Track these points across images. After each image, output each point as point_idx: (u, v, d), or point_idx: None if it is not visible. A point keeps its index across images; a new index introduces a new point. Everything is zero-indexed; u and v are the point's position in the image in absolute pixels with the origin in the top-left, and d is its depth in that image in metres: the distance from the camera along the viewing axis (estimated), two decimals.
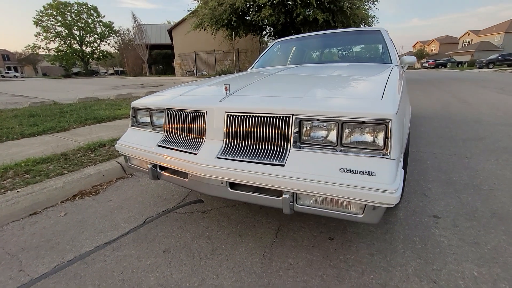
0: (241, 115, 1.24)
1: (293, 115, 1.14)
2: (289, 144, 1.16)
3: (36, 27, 35.12)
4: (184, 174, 1.39)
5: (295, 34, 2.93)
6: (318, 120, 1.11)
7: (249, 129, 1.23)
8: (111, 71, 68.05)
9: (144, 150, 1.55)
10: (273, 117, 1.18)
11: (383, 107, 1.02)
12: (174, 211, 1.83)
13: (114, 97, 7.52)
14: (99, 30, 39.46)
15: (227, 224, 1.64)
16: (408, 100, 2.13)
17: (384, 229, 1.53)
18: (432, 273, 1.20)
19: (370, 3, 13.68)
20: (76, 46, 37.84)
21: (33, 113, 4.65)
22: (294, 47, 3.02)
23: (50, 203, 1.95)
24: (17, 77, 43.15)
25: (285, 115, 1.15)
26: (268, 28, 15.55)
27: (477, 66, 30.56)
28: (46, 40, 35.95)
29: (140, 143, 1.62)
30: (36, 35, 35.71)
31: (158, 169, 1.53)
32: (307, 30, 12.98)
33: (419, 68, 46.18)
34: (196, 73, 21.52)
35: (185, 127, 1.44)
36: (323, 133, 1.14)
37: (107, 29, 40.17)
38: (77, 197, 2.07)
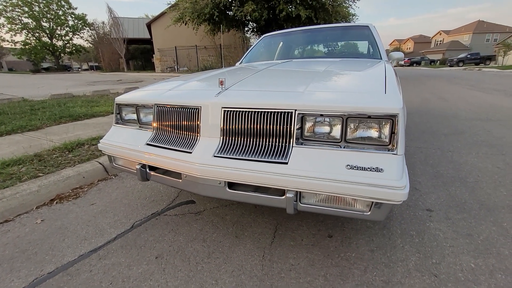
0: (240, 111, 1.17)
1: (295, 110, 1.09)
2: (291, 140, 1.11)
3: (0, 17, 32.50)
4: (177, 174, 1.30)
5: (278, 30, 2.88)
6: (321, 115, 1.06)
7: (249, 126, 1.16)
8: (85, 66, 64.61)
9: (131, 150, 1.44)
10: (275, 112, 1.12)
11: (389, 101, 0.99)
12: (164, 214, 1.73)
13: (90, 94, 7.11)
14: (71, 23, 37.12)
15: (222, 225, 1.57)
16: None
17: (381, 224, 1.53)
18: (432, 267, 1.21)
19: (351, 1, 13.94)
20: (45, 39, 35.38)
21: (0, 111, 4.27)
22: (283, 42, 2.97)
23: (24, 209, 1.78)
24: None
25: (287, 110, 1.10)
26: (251, 24, 15.41)
27: (448, 64, 32.29)
28: (11, 32, 33.33)
29: (126, 142, 1.50)
30: None
31: (147, 170, 1.42)
32: (290, 26, 12.99)
33: (396, 66, 47.98)
34: (177, 69, 20.93)
35: (177, 124, 1.34)
36: (327, 128, 1.10)
37: (79, 22, 37.89)
38: (55, 201, 1.90)
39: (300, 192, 1.06)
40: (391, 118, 0.97)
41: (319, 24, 12.45)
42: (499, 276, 1.15)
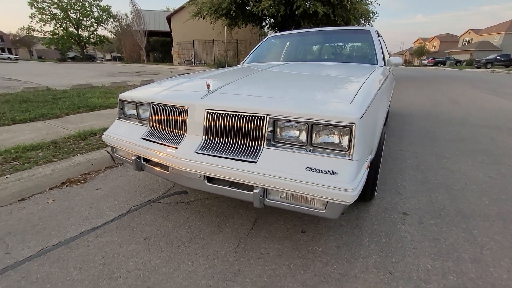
0: (220, 113, 1.30)
1: (267, 115, 1.20)
2: (263, 142, 1.23)
3: (31, 8, 34.21)
4: (165, 167, 1.45)
5: (294, 27, 2.96)
6: (290, 120, 1.18)
7: (227, 127, 1.29)
8: (108, 56, 66.81)
9: (129, 142, 1.61)
10: (249, 116, 1.24)
11: (348, 112, 1.09)
12: (158, 201, 1.91)
13: (108, 85, 7.48)
14: (96, 14, 38.50)
15: (207, 215, 1.73)
16: (388, 100, 2.20)
17: (355, 224, 1.63)
18: (390, 265, 1.30)
19: None
20: (72, 29, 36.96)
21: (26, 99, 4.65)
22: (285, 43, 3.05)
23: (38, 189, 2.02)
24: (11, 59, 42.22)
25: (260, 115, 1.22)
26: (268, 19, 15.38)
27: (475, 65, 30.67)
28: (41, 23, 35.06)
29: (125, 135, 1.68)
30: (31, 17, 34.81)
31: (142, 161, 1.59)
32: (307, 23, 12.88)
33: (418, 66, 46.14)
34: (194, 62, 21.30)
35: (168, 121, 1.50)
36: (295, 133, 1.21)
37: (104, 13, 39.19)
38: (66, 184, 2.13)
39: (266, 189, 1.19)
40: (349, 127, 1.07)
41: (336, 21, 12.28)
42: (451, 277, 1.23)
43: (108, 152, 2.56)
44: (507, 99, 6.86)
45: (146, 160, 1.58)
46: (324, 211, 1.11)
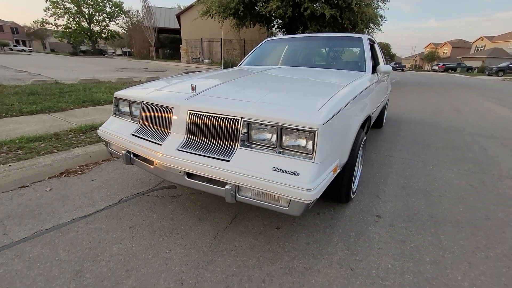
0: (201, 114, 1.41)
1: (242, 118, 1.31)
2: (237, 143, 1.33)
3: (46, 1, 35.00)
4: (151, 162, 1.57)
5: (302, 28, 3.04)
6: (261, 124, 1.28)
7: (207, 127, 1.40)
8: (119, 51, 67.76)
9: (120, 138, 1.73)
10: (226, 118, 1.35)
11: (313, 118, 1.18)
12: (148, 194, 2.03)
13: (115, 80, 7.68)
14: (108, 10, 39.14)
15: (191, 209, 1.84)
16: (375, 106, 2.27)
17: (328, 223, 1.72)
18: (353, 262, 1.39)
19: (380, 1, 13.50)
20: (84, 24, 37.67)
21: (34, 91, 4.85)
22: (281, 48, 3.14)
23: (38, 178, 2.16)
24: (25, 51, 43.31)
25: (235, 117, 1.32)
26: (276, 20, 15.43)
27: (487, 73, 30.13)
28: (55, 16, 35.85)
29: (118, 131, 1.80)
30: (45, 10, 35.61)
31: (131, 155, 1.71)
32: (314, 25, 12.90)
33: (428, 71, 45.51)
34: (202, 60, 21.50)
35: (155, 120, 1.61)
36: (268, 135, 1.31)
37: (116, 9, 39.84)
38: (64, 175, 2.28)
39: (238, 186, 1.29)
40: (313, 132, 1.17)
41: (344, 24, 12.27)
42: (408, 277, 1.31)
43: (105, 146, 2.70)
44: (511, 108, 6.80)
45: (135, 155, 1.71)
46: (287, 208, 1.21)
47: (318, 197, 1.23)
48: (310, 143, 1.20)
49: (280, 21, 14.70)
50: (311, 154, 1.20)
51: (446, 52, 54.55)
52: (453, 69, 38.65)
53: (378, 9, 13.90)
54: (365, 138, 1.94)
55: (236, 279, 1.26)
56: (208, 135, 1.41)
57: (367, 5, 12.44)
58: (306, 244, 1.52)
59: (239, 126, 1.32)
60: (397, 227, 1.70)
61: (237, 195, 1.31)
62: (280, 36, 2.96)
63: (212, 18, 14.53)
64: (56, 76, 7.86)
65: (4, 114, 3.51)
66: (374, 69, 2.60)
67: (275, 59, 3.00)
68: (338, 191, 1.76)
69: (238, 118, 1.31)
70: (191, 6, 20.99)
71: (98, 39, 41.29)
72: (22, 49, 44.62)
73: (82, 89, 5.59)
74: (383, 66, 2.55)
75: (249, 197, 1.30)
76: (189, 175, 1.43)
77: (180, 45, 24.34)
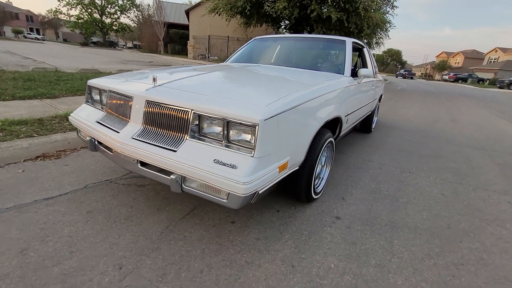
0: (157, 105, 1.43)
1: (192, 110, 1.33)
2: (187, 134, 1.35)
3: None
4: (110, 149, 1.60)
5: (308, 30, 3.04)
6: (209, 117, 1.29)
7: (161, 118, 1.42)
8: (130, 44, 68.46)
9: (86, 124, 1.77)
10: (178, 109, 1.37)
11: (255, 113, 1.20)
12: (115, 182, 2.06)
13: (115, 72, 7.77)
14: (120, 2, 39.60)
15: (153, 198, 1.87)
16: (351, 109, 2.26)
17: (284, 221, 1.73)
18: (296, 260, 1.40)
19: (389, 7, 13.38)
20: (96, 15, 38.18)
21: (31, 78, 4.95)
22: (267, 47, 3.15)
23: (13, 160, 2.22)
24: (38, 39, 44.04)
25: (186, 109, 1.34)
26: (283, 21, 15.42)
27: (498, 85, 29.57)
28: (68, 6, 36.45)
29: (86, 118, 1.84)
30: (59, 0, 36.22)
31: (96, 142, 1.75)
32: (320, 28, 12.85)
33: (439, 80, 44.86)
34: (208, 57, 21.59)
35: (118, 108, 1.64)
36: (217, 128, 1.33)
37: (128, 2, 40.28)
38: (40, 158, 2.33)
39: (183, 176, 1.31)
40: (253, 127, 1.18)
41: (350, 28, 12.19)
42: (347, 277, 1.31)
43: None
44: (511, 122, 6.67)
45: (100, 142, 1.74)
46: (226, 200, 1.22)
47: (259, 192, 1.24)
48: (253, 137, 1.21)
49: (287, 22, 14.68)
50: (252, 148, 1.21)
51: (458, 62, 53.70)
52: (464, 80, 38.06)
53: (387, 15, 13.77)
54: (331, 139, 1.94)
55: (175, 267, 1.29)
56: (162, 126, 1.43)
57: (375, 10, 12.34)
58: (256, 239, 1.53)
59: (189, 118, 1.34)
60: (353, 230, 1.70)
61: (183, 185, 1.33)
62: (269, 35, 2.97)
63: (219, 15, 14.59)
64: (59, 65, 8.00)
65: None
66: (355, 73, 2.59)
67: (259, 57, 3.01)
68: (297, 190, 1.77)
69: (188, 110, 1.33)
70: (199, 3, 21.09)
71: (109, 31, 41.77)
72: (35, 38, 45.41)
73: (79, 78, 5.69)
74: (363, 70, 2.54)
75: (194, 188, 1.32)
76: (143, 163, 1.46)
77: (188, 41, 24.49)
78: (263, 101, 1.33)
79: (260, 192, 1.26)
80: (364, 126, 4.06)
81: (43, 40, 44.85)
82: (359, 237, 1.63)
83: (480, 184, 2.60)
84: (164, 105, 1.41)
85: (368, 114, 3.75)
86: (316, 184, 2.01)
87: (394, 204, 2.07)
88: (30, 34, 48.88)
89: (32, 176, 2.03)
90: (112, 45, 45.24)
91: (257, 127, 1.17)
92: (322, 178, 2.10)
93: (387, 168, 2.81)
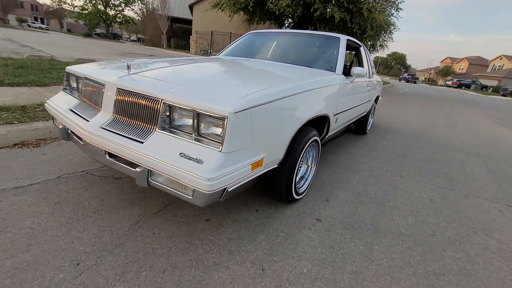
0: (127, 92, 1.36)
1: (162, 99, 1.25)
2: (156, 126, 1.28)
3: None
4: (81, 138, 1.53)
5: (311, 29, 2.98)
6: (179, 108, 1.22)
7: (131, 107, 1.35)
8: (134, 37, 68.20)
9: (59, 112, 1.69)
10: (149, 98, 1.29)
11: (225, 105, 1.12)
12: (91, 173, 1.99)
13: None
14: None
15: (127, 192, 1.79)
16: (327, 105, 2.17)
17: (262, 221, 1.66)
18: (267, 262, 1.32)
19: (393, 9, 13.22)
20: (101, 7, 37.99)
21: (24, 65, 4.86)
22: (261, 41, 3.07)
23: None
24: (42, 28, 43.89)
25: (155, 99, 1.26)
26: (287, 19, 15.27)
27: (501, 93, 29.42)
28: None
29: (60, 105, 1.76)
30: None
31: (69, 131, 1.67)
32: (323, 27, 12.71)
33: (442, 86, 44.62)
34: (210, 53, 21.44)
35: (91, 96, 1.57)
36: (187, 121, 1.25)
37: None
38: (17, 146, 2.26)
39: (150, 170, 1.23)
40: (222, 120, 1.10)
41: (353, 29, 12.06)
42: (318, 283, 1.24)
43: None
44: (510, 129, 6.58)
45: (72, 131, 1.66)
46: (191, 197, 1.15)
47: (228, 189, 1.17)
48: (223, 131, 1.13)
49: (290, 20, 14.54)
50: (220, 143, 1.14)
51: (462, 68, 53.40)
52: (467, 86, 37.86)
53: (391, 17, 13.62)
54: (316, 137, 1.86)
55: (136, 265, 1.21)
56: (132, 116, 1.36)
57: (380, 12, 12.21)
58: (228, 239, 1.46)
59: (159, 108, 1.26)
60: (332, 233, 1.63)
61: (149, 179, 1.25)
62: (264, 29, 2.89)
63: (222, 11, 14.46)
64: (56, 54, 7.91)
65: None
66: (348, 71, 2.50)
67: (252, 51, 2.92)
68: (277, 189, 1.69)
69: (158, 99, 1.26)
70: None
71: (113, 23, 41.57)
72: (39, 27, 45.25)
73: None
74: (356, 69, 2.45)
75: (160, 183, 1.24)
76: (111, 155, 1.38)
77: (190, 36, 24.32)
78: (237, 94, 1.25)
79: (229, 189, 1.19)
80: (359, 127, 3.97)
81: (47, 29, 44.68)
82: (338, 241, 1.56)
83: (472, 191, 2.52)
84: (134, 93, 1.33)
85: (363, 115, 3.66)
86: (300, 184, 1.94)
87: (380, 208, 1.99)
88: (35, 23, 48.74)
89: (6, 164, 1.95)
90: (115, 37, 45.06)
91: (226, 120, 1.09)
92: (306, 179, 2.02)
93: (377, 171, 2.74)
